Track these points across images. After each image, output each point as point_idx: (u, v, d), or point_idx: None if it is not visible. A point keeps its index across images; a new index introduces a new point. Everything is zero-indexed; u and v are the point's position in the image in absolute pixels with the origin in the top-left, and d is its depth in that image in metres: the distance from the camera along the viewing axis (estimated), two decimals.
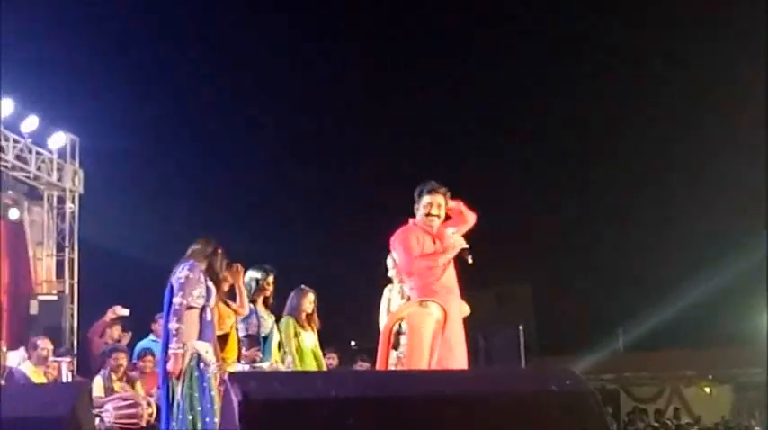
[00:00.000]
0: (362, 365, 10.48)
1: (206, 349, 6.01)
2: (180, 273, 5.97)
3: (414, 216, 6.66)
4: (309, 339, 8.20)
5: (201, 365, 5.91)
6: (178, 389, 5.83)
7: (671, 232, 26.03)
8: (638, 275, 25.77)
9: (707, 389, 25.61)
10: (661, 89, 25.23)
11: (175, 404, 5.83)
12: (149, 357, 9.54)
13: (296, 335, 8.01)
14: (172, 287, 5.98)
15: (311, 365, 8.12)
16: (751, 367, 24.31)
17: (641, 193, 26.17)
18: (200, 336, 5.98)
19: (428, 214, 6.59)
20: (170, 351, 5.84)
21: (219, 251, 6.27)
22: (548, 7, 24.23)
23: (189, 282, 5.94)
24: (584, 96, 25.31)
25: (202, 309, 6.02)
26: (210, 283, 6.11)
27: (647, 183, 26.25)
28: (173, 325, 5.88)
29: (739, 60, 22.11)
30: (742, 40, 21.54)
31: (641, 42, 24.50)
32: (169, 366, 5.82)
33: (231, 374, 4.39)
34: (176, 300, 5.91)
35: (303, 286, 8.22)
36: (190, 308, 5.94)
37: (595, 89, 25.12)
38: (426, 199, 6.64)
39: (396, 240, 6.54)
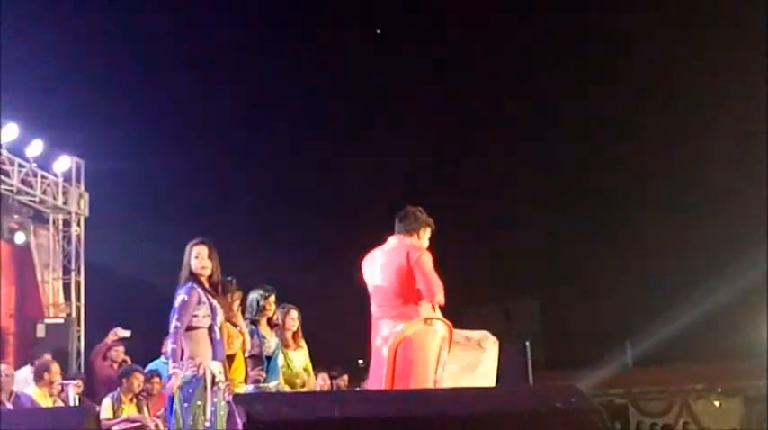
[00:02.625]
0: None
1: (219, 369, 6.04)
2: (178, 298, 6.01)
3: (390, 232, 6.65)
4: (298, 359, 8.14)
5: (215, 387, 5.93)
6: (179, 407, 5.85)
7: (679, 246, 26.00)
8: (645, 289, 25.72)
9: (716, 403, 25.49)
10: (661, 102, 25.25)
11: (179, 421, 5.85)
12: (156, 378, 9.55)
13: (284, 356, 7.97)
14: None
15: (301, 385, 8.08)
16: (760, 380, 24.21)
17: (648, 208, 26.14)
18: (213, 357, 6.01)
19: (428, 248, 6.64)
20: (168, 371, 5.90)
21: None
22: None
23: (185, 305, 5.96)
24: (589, 109, 25.34)
25: (210, 329, 6.03)
26: (214, 301, 6.11)
27: (655, 197, 26.24)
28: (168, 346, 5.95)
29: (740, 71, 22.11)
30: (742, 49, 21.54)
31: (641, 52, 24.53)
32: (168, 384, 5.85)
33: (235, 396, 4.40)
34: (172, 323, 5.95)
35: (285, 304, 8.17)
36: (196, 328, 5.95)
37: (598, 102, 25.15)
38: (429, 233, 6.68)
39: (424, 261, 6.46)
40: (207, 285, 6.11)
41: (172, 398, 5.93)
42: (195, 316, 5.97)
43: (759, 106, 20.12)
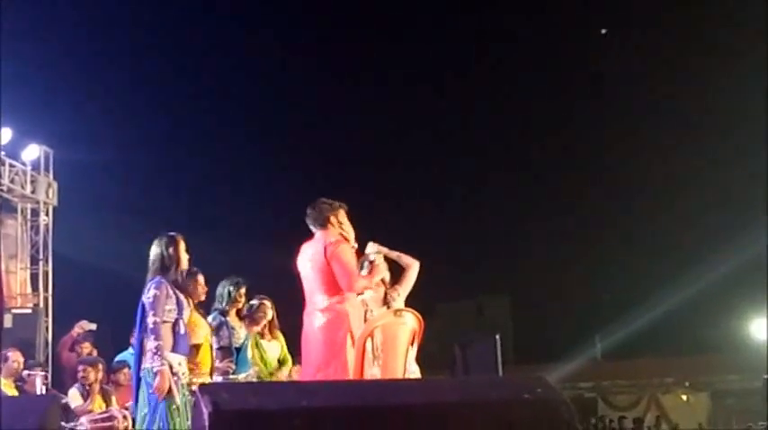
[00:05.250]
0: None
1: (179, 361, 6.06)
2: (148, 293, 6.02)
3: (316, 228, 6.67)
4: (274, 349, 8.18)
5: (175, 378, 5.94)
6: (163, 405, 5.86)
7: (647, 241, 26.19)
8: (615, 283, 25.89)
9: (684, 397, 25.70)
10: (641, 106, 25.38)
11: (157, 418, 5.84)
12: (125, 370, 9.49)
13: (257, 345, 7.99)
14: (143, 306, 6.01)
15: (276, 375, 8.09)
16: (728, 374, 24.47)
17: (617, 206, 26.31)
18: (174, 349, 6.00)
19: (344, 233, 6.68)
20: (155, 369, 5.86)
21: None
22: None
23: (158, 299, 5.98)
24: (570, 96, 25.49)
25: (175, 323, 6.06)
26: (181, 296, 6.12)
27: (624, 196, 26.40)
28: (152, 343, 5.90)
29: (739, 53, 22.18)
30: (742, 34, 21.58)
31: (641, 38, 24.59)
32: (157, 383, 5.82)
33: (201, 385, 4.36)
34: (150, 319, 5.94)
35: (260, 295, 8.20)
36: (163, 322, 5.96)
37: (585, 88, 25.31)
38: (343, 215, 6.72)
39: (339, 252, 6.50)
40: (175, 279, 6.14)
41: (138, 388, 5.94)
42: (163, 312, 5.99)
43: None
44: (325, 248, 6.51)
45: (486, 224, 26.68)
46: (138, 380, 5.97)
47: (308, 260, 6.65)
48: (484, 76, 25.77)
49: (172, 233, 6.25)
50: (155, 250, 6.18)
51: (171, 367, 5.95)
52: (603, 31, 23.49)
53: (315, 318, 6.53)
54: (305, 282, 6.67)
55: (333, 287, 6.50)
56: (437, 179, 25.84)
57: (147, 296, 5.99)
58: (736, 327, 25.48)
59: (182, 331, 6.10)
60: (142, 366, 5.95)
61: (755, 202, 20.62)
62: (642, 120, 25.51)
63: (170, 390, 5.87)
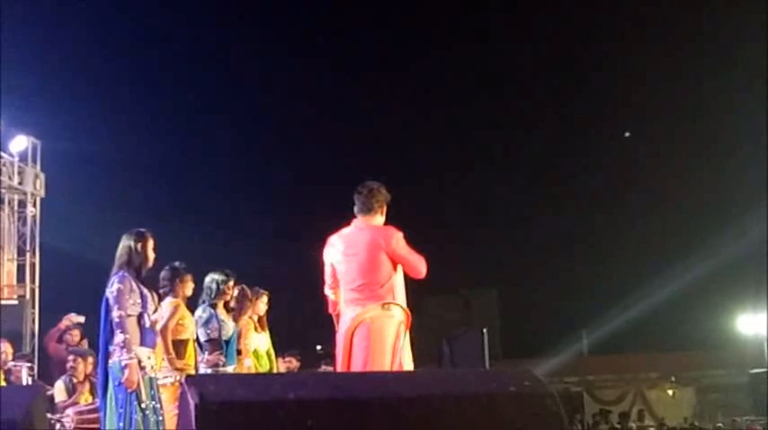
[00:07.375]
0: (326, 369, 10.43)
1: (147, 355, 6.11)
2: (112, 287, 6.09)
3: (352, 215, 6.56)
4: (263, 341, 8.21)
5: (142, 372, 5.98)
6: (141, 397, 5.89)
7: (634, 236, 26.24)
8: (601, 278, 25.94)
9: (670, 392, 25.83)
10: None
11: (139, 411, 5.87)
12: None
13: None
14: (107, 300, 6.03)
15: (265, 367, 8.12)
16: (713, 370, 24.60)
17: (604, 202, 26.36)
18: (142, 343, 6.08)
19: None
20: (123, 362, 5.92)
21: (149, 256, 6.28)
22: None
23: (122, 293, 6.05)
24: (560, 89, 25.51)
25: (140, 316, 6.12)
26: (145, 290, 6.18)
27: (611, 191, 26.46)
28: (119, 337, 5.98)
29: (740, 51, 22.21)
30: (743, 33, 21.60)
31: (640, 20, 24.60)
32: (126, 376, 5.85)
33: (188, 377, 4.37)
34: (115, 313, 6.02)
35: (257, 288, 8.20)
36: (128, 316, 6.03)
37: (577, 83, 25.34)
38: (385, 207, 6.62)
39: (402, 243, 6.41)
40: (139, 274, 6.18)
41: (105, 382, 5.97)
42: (127, 305, 6.04)
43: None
44: (385, 239, 6.39)
45: (472, 218, 26.72)
46: (106, 375, 6.02)
47: (349, 249, 6.46)
48: (480, 76, 25.80)
49: (141, 230, 6.32)
50: (123, 244, 6.24)
51: (139, 361, 5.99)
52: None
53: (373, 310, 6.36)
54: (341, 275, 6.48)
55: (386, 275, 6.37)
56: (424, 173, 25.85)
57: (111, 290, 6.05)
58: (722, 323, 25.58)
59: (147, 324, 6.17)
60: (110, 360, 6.01)
61: (742, 199, 20.74)
62: (635, 117, 25.57)
63: (138, 384, 5.91)
